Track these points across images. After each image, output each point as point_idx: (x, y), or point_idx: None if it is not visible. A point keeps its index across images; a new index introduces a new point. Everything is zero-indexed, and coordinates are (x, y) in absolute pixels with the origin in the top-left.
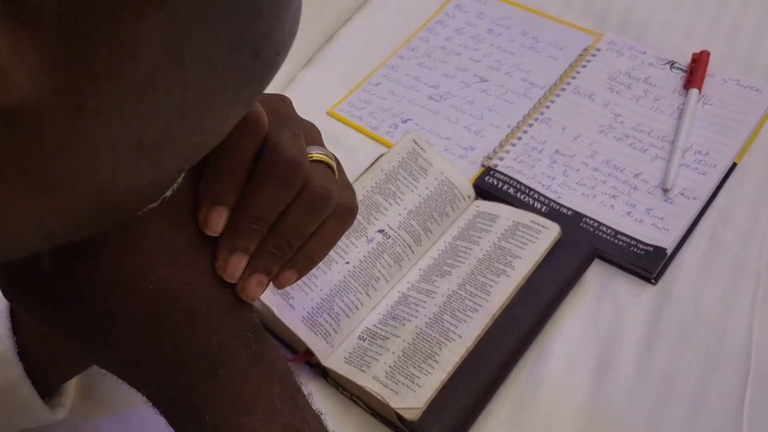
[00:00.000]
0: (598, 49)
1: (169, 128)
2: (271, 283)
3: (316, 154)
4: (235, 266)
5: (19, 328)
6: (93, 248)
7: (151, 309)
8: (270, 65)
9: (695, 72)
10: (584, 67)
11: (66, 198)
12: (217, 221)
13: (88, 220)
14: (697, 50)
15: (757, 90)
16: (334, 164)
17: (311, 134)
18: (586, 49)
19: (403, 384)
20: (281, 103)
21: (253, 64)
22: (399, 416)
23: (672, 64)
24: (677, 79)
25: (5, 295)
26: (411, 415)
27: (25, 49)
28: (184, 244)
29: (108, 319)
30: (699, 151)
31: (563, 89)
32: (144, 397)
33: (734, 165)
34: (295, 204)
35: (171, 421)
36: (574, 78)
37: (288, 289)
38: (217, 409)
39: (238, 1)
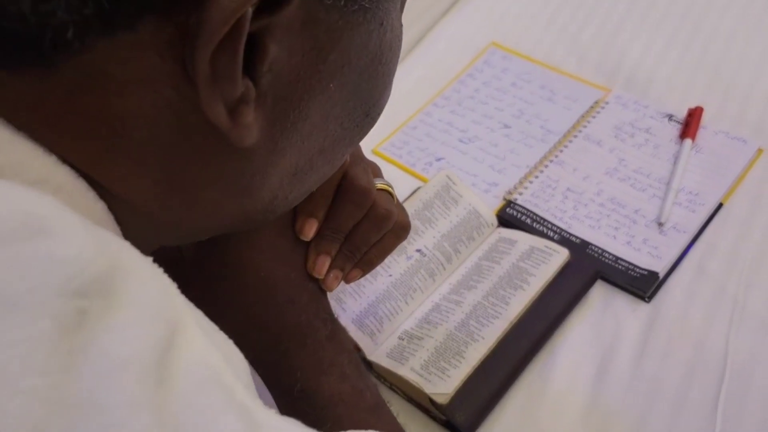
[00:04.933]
0: (607, 103)
1: (312, 161)
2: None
3: (380, 184)
4: (322, 265)
5: None
6: (224, 244)
7: (260, 292)
8: (373, 121)
9: (690, 124)
10: (594, 117)
11: (251, 203)
12: (309, 230)
13: (254, 218)
14: (693, 106)
15: (743, 141)
16: (393, 192)
17: (374, 170)
18: (596, 102)
19: (435, 375)
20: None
21: (364, 121)
22: (432, 401)
23: (670, 117)
24: (674, 130)
25: None
26: (442, 400)
27: (257, 115)
28: (284, 246)
29: (227, 297)
30: (690, 192)
31: (575, 136)
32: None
33: (721, 205)
34: (364, 220)
35: (267, 381)
36: (585, 127)
37: (341, 296)
38: (304, 371)
39: (364, 86)
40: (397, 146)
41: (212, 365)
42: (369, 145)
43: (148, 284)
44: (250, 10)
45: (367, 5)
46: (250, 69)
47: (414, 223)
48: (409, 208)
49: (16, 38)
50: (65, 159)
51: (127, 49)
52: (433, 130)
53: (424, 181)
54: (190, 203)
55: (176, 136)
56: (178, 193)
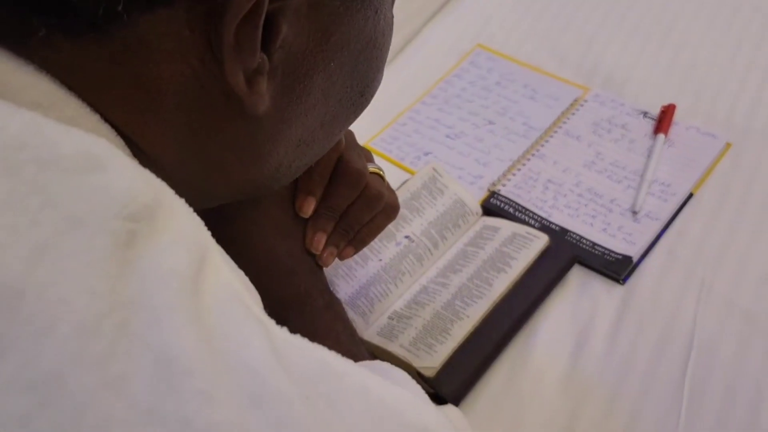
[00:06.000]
0: (586, 101)
1: (314, 133)
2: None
3: (372, 167)
4: (319, 241)
5: None
6: (232, 217)
7: (264, 262)
8: (366, 101)
9: (663, 120)
10: (574, 114)
11: (260, 169)
12: (308, 207)
13: (262, 184)
14: (666, 103)
15: (713, 136)
16: (384, 175)
17: (367, 155)
18: (575, 100)
19: (423, 350)
20: (349, 132)
21: (359, 100)
22: (420, 374)
23: (645, 113)
24: (648, 125)
25: None
26: (429, 373)
27: (269, 87)
28: (285, 221)
29: None
30: (663, 183)
31: (556, 132)
32: None
33: (691, 195)
34: (358, 200)
35: None
36: (565, 123)
37: (334, 279)
38: (303, 336)
39: (360, 67)
40: (387, 141)
41: (235, 288)
42: (361, 140)
43: (184, 216)
44: None
45: None
46: (265, 45)
47: (403, 211)
48: (398, 197)
49: (76, 9)
50: (106, 119)
51: (164, 23)
52: (421, 127)
53: (413, 174)
54: (207, 165)
55: (199, 103)
56: (198, 154)
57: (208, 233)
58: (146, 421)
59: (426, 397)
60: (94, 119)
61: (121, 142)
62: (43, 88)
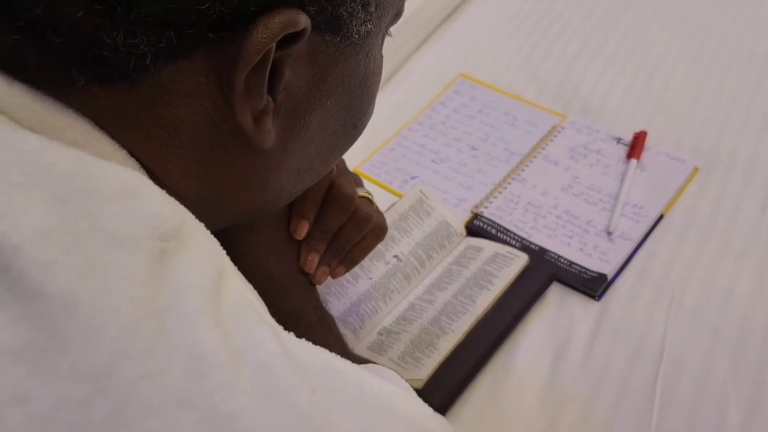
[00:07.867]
0: (563, 127)
1: (312, 162)
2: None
3: (361, 192)
4: (312, 261)
5: None
6: (232, 240)
7: (260, 281)
8: (359, 132)
9: (635, 146)
10: (552, 140)
11: (264, 195)
12: (302, 230)
13: (266, 208)
14: (638, 130)
15: (682, 161)
16: (373, 199)
17: (357, 180)
18: (554, 127)
19: (411, 363)
20: (340, 160)
21: (352, 132)
22: None
23: (618, 140)
24: (622, 151)
25: None
26: (416, 384)
27: (274, 124)
28: (281, 243)
29: None
30: (635, 205)
31: (535, 157)
32: None
33: (661, 216)
34: (348, 222)
35: None
36: (544, 149)
37: (327, 297)
38: None
39: (354, 103)
40: (376, 166)
41: (248, 298)
42: (351, 165)
43: (203, 237)
44: (274, 45)
45: (356, 41)
46: (270, 88)
47: (391, 232)
48: (387, 219)
49: (110, 62)
50: (132, 154)
51: (183, 71)
52: (408, 152)
53: (401, 197)
54: (218, 193)
55: (212, 139)
56: (210, 184)
57: (223, 251)
58: (181, 407)
59: (414, 393)
60: (123, 154)
61: (144, 173)
62: (81, 128)
